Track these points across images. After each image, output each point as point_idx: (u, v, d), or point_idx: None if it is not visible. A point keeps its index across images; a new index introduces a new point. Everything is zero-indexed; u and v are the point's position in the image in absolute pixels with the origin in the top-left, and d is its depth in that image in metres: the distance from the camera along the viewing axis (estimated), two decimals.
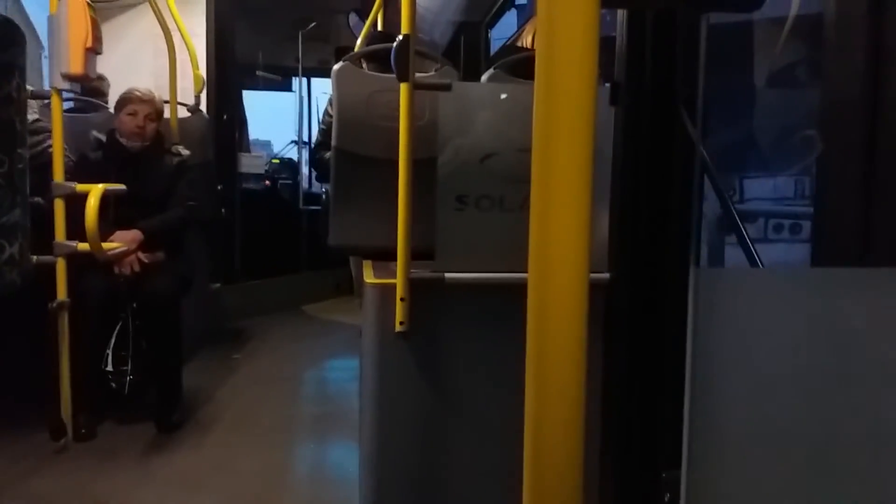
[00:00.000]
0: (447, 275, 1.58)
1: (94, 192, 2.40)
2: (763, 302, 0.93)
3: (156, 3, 3.66)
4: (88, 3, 2.47)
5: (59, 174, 2.51)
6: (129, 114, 2.89)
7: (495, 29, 4.16)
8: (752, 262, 1.10)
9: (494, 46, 4.12)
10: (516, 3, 3.70)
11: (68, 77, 2.50)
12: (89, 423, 2.64)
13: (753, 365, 1.06)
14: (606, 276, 1.53)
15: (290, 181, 6.50)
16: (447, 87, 1.60)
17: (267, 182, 6.21)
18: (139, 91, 2.94)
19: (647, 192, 1.39)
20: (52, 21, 2.44)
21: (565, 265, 0.69)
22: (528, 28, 2.39)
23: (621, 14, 1.44)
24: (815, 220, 1.23)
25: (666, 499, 1.36)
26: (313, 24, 5.79)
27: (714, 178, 1.20)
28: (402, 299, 1.57)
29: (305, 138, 6.51)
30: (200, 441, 2.65)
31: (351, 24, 5.15)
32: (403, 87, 1.56)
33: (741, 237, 1.13)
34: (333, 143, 2.12)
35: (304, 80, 6.68)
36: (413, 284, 1.58)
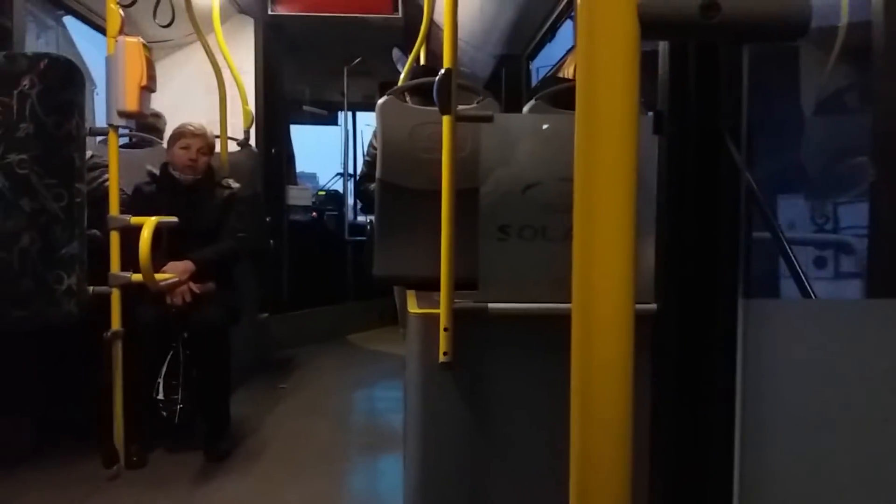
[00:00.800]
0: (490, 305, 1.58)
1: (148, 225, 2.48)
2: (815, 334, 0.91)
3: (207, 42, 3.80)
4: (144, 44, 2.58)
5: (114, 207, 2.60)
6: (183, 147, 2.99)
7: (536, 60, 4.19)
8: (804, 292, 1.07)
9: (536, 78, 4.15)
10: (556, 34, 3.72)
11: (124, 114, 2.61)
12: (140, 451, 2.69)
13: (806, 400, 1.03)
14: (654, 307, 1.50)
15: (335, 213, 6.60)
16: (489, 119, 1.61)
17: (314, 214, 6.31)
18: (192, 126, 3.05)
19: (694, 221, 1.37)
20: (109, 61, 2.56)
21: (609, 295, 0.68)
22: (570, 59, 2.41)
23: (663, 42, 1.44)
24: (871, 249, 1.19)
25: None
26: (358, 60, 5.91)
27: (762, 206, 1.18)
28: (445, 329, 1.57)
29: (350, 171, 6.61)
30: (248, 470, 2.67)
31: (395, 59, 5.25)
32: (446, 119, 1.58)
33: (791, 267, 1.10)
34: (378, 175, 2.15)
35: (350, 114, 6.82)
36: (456, 314, 1.58)
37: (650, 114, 1.51)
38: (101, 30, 3.43)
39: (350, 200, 6.50)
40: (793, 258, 1.10)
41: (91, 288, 2.50)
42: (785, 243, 1.11)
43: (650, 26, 0.61)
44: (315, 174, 8.79)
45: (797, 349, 0.84)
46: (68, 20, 4.56)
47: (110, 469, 2.55)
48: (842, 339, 0.84)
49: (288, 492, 2.47)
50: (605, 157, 0.67)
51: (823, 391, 0.85)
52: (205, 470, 2.67)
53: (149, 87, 2.60)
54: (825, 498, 0.91)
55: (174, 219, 2.65)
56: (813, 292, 1.09)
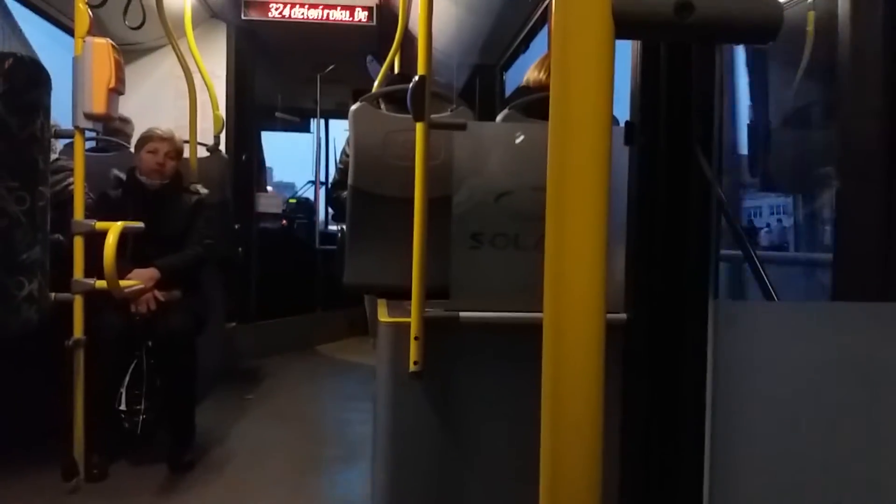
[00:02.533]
0: (462, 314, 1.57)
1: (113, 231, 2.43)
2: (782, 335, 0.91)
3: (178, 46, 3.75)
4: (113, 45, 2.53)
5: (79, 212, 2.54)
6: (150, 151, 2.94)
7: (510, 71, 4.22)
8: (768, 296, 1.09)
9: (510, 89, 4.18)
10: (531, 45, 3.75)
11: (91, 116, 2.55)
12: (101, 463, 2.62)
13: (775, 401, 1.04)
14: (624, 316, 1.50)
15: (306, 221, 6.55)
16: (462, 127, 1.61)
17: (284, 221, 6.26)
18: (160, 130, 3.00)
19: (664, 231, 1.38)
20: (76, 62, 2.50)
21: (580, 304, 0.68)
22: (535, 65, 2.42)
23: (635, 53, 1.45)
24: (836, 254, 1.21)
25: None
26: (331, 67, 5.90)
27: (729, 216, 1.19)
28: (416, 338, 1.56)
29: (322, 178, 6.58)
30: (213, 482, 2.62)
31: (368, 66, 5.24)
32: (419, 126, 1.57)
33: (756, 271, 1.12)
34: (350, 181, 2.14)
35: (322, 121, 6.78)
36: (427, 323, 1.57)
37: (622, 124, 1.52)
38: (69, 30, 3.37)
39: (321, 209, 6.46)
40: (758, 264, 1.11)
41: (53, 294, 2.44)
42: (750, 250, 1.13)
43: (625, 25, 0.62)
44: (293, 183, 8.73)
45: (765, 350, 0.85)
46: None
47: (70, 482, 2.48)
48: (808, 340, 0.85)
49: (256, 503, 2.42)
50: (578, 166, 0.67)
51: (791, 392, 0.86)
52: (168, 482, 2.61)
53: (117, 90, 2.56)
54: (795, 498, 0.92)
55: (140, 224, 2.60)
56: (777, 296, 1.10)
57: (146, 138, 2.97)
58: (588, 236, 0.68)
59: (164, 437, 2.77)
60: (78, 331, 2.52)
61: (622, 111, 1.56)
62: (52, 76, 2.41)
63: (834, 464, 0.87)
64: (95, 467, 2.59)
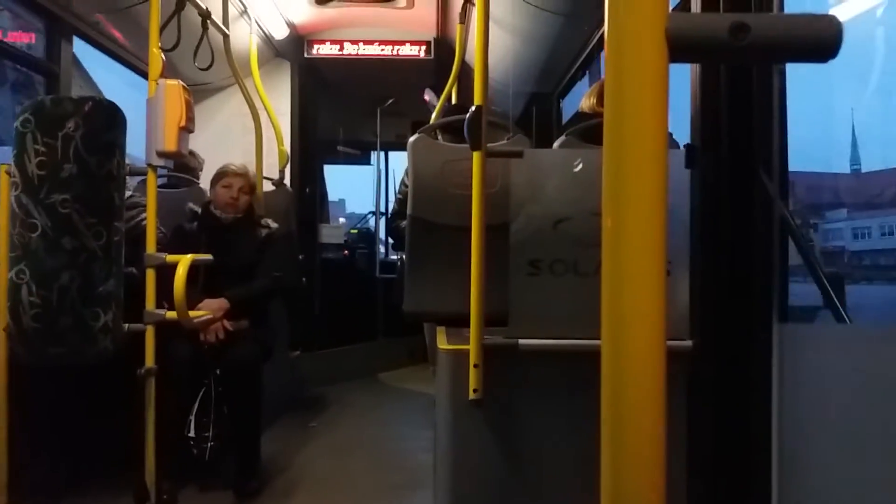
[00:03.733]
0: (521, 341, 1.56)
1: (183, 263, 2.52)
2: (852, 358, 0.87)
3: (244, 85, 3.90)
4: (184, 86, 2.66)
5: (151, 245, 2.65)
6: (224, 186, 3.05)
7: (567, 99, 4.22)
8: (839, 318, 1.04)
9: (566, 116, 4.17)
10: (587, 73, 3.75)
11: (163, 154, 2.67)
12: (172, 489, 2.68)
13: (842, 424, 0.99)
14: (689, 343, 1.47)
15: (366, 250, 6.65)
16: (519, 155, 1.62)
17: (346, 252, 6.37)
18: (234, 166, 3.11)
19: (729, 254, 1.34)
20: (150, 103, 2.63)
21: (640, 331, 0.67)
22: (589, 92, 2.41)
23: (694, 74, 1.43)
24: None
25: None
26: (391, 101, 6.02)
27: (796, 236, 1.15)
28: (475, 366, 1.55)
29: (382, 209, 6.68)
30: None
31: (426, 99, 5.33)
32: (476, 155, 1.59)
33: (825, 292, 1.07)
34: (409, 211, 2.17)
35: (382, 153, 6.91)
36: (487, 350, 1.56)
37: (682, 147, 1.50)
38: (143, 73, 3.55)
39: (381, 238, 6.55)
40: (827, 286, 1.07)
41: (126, 325, 2.54)
42: (819, 271, 1.08)
43: (679, 48, 0.61)
44: (343, 199, 8.86)
45: (833, 372, 0.81)
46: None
47: None
48: (875, 362, 0.80)
49: None
50: (634, 191, 0.66)
51: (859, 415, 0.82)
52: None
53: (187, 128, 2.67)
54: None
55: (209, 257, 2.69)
56: (848, 317, 1.05)
57: (221, 174, 3.08)
58: (646, 261, 0.67)
59: (231, 464, 2.83)
60: (150, 360, 2.61)
61: (683, 134, 1.54)
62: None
63: None
64: (166, 493, 2.65)
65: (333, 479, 3.08)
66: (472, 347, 1.56)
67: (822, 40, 0.61)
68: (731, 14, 0.63)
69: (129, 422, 2.62)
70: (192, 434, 2.72)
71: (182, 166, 3.90)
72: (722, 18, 0.62)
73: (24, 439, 2.70)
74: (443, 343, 1.71)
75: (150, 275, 2.63)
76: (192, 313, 2.60)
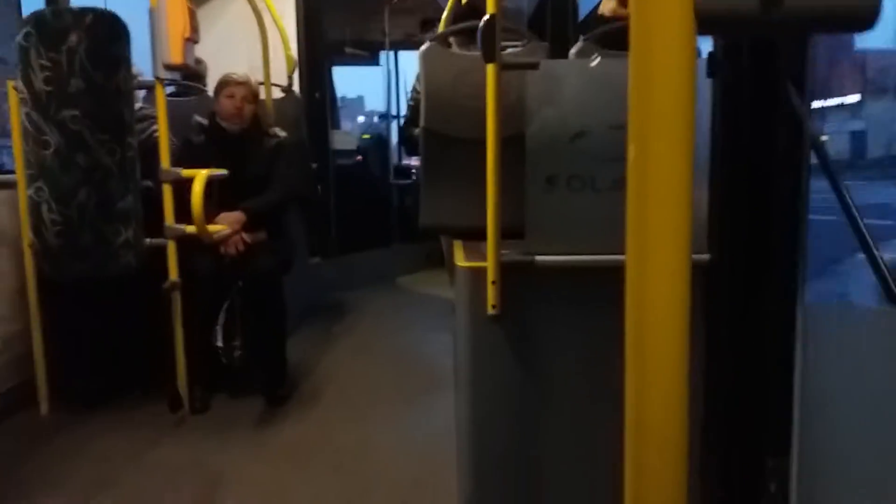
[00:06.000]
0: (538, 258, 1.57)
1: (199, 179, 2.52)
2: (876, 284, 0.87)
3: None
4: None
5: (165, 160, 2.64)
6: (228, 96, 3.00)
7: None
8: (864, 244, 1.02)
9: (583, 11, 3.99)
10: None
11: (169, 67, 2.62)
12: (203, 396, 2.81)
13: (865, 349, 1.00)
14: (706, 257, 1.47)
15: (380, 155, 6.60)
16: (535, 66, 1.57)
17: (359, 157, 6.33)
18: (235, 75, 3.05)
19: (749, 170, 1.32)
20: (152, 14, 2.55)
21: (666, 245, 0.66)
22: None
23: None
24: None
25: (772, 489, 1.32)
26: None
27: (825, 160, 1.12)
28: (493, 283, 1.57)
29: (394, 112, 6.56)
30: (306, 415, 2.78)
31: None
32: (490, 67, 1.54)
33: (851, 217, 1.05)
34: (422, 123, 2.13)
35: (392, 53, 6.71)
36: (503, 267, 1.57)
37: (704, 56, 1.44)
38: None
39: (394, 142, 6.48)
40: (853, 210, 1.05)
41: (148, 240, 2.58)
42: (847, 196, 1.06)
43: (707, 22, 0.58)
44: (362, 97, 8.69)
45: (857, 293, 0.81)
46: None
47: (176, 413, 2.68)
48: None
49: (344, 437, 2.56)
50: (662, 102, 0.64)
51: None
52: (265, 413, 2.78)
53: (192, 39, 2.61)
54: (888, 445, 0.90)
55: (224, 171, 2.69)
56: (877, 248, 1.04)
57: (223, 83, 3.03)
58: (673, 174, 0.65)
59: (259, 371, 2.94)
60: (173, 273, 2.67)
61: (705, 41, 1.48)
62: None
63: None
64: (198, 400, 2.79)
65: (357, 383, 3.20)
66: (489, 265, 1.57)
67: (859, 11, 0.58)
68: None
69: (158, 334, 2.71)
70: (220, 343, 2.81)
71: (189, 75, 3.83)
72: None
73: (60, 354, 2.82)
74: (460, 260, 1.72)
75: (167, 190, 2.64)
76: (210, 227, 2.63)
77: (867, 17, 0.57)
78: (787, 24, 0.58)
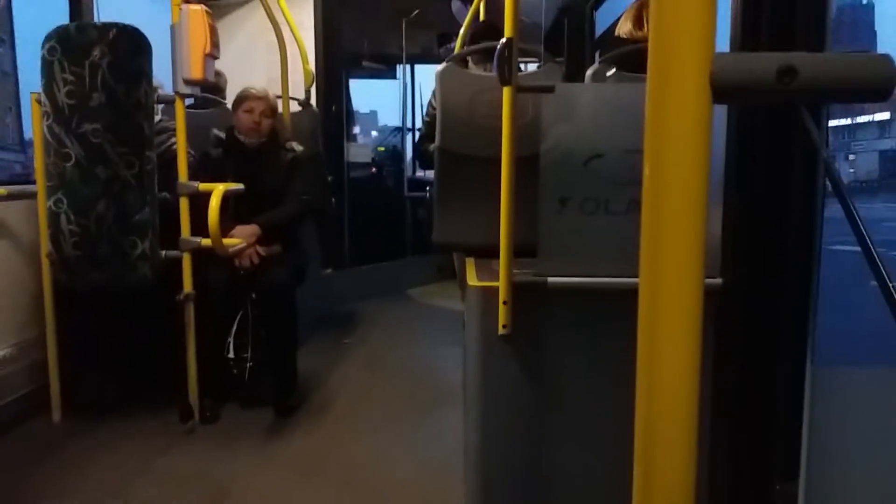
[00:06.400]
0: (550, 279, 1.57)
1: (216, 193, 2.55)
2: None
3: (266, 0, 3.80)
4: (206, 11, 2.61)
5: (183, 174, 2.68)
6: (246, 111, 3.03)
7: (601, 10, 4.04)
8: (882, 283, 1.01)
9: (600, 28, 4.01)
10: None
11: (190, 82, 2.66)
12: (214, 406, 2.83)
13: (878, 372, 1.00)
14: (719, 281, 1.47)
15: (394, 168, 6.64)
16: (550, 90, 1.58)
17: (373, 170, 6.36)
18: (254, 89, 3.09)
19: (763, 194, 1.32)
20: (174, 29, 2.60)
21: (679, 269, 0.67)
22: (625, 15, 2.31)
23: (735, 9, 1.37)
24: None
25: None
26: (417, 12, 5.83)
27: (839, 185, 1.12)
28: (504, 303, 1.58)
29: (409, 125, 6.60)
30: (315, 426, 2.79)
31: (454, 10, 5.15)
32: (506, 90, 1.55)
33: (865, 248, 1.05)
34: (437, 142, 2.15)
35: (408, 66, 6.76)
36: (515, 287, 1.58)
37: None
38: None
39: (409, 155, 6.51)
40: (864, 231, 1.04)
41: (163, 252, 2.61)
42: (858, 218, 1.05)
43: (723, 92, 0.59)
44: (375, 111, 8.77)
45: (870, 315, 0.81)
46: None
47: (186, 423, 2.70)
48: None
49: (353, 449, 2.57)
50: (677, 125, 0.65)
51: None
52: (274, 425, 2.80)
53: (212, 55, 2.64)
54: None
55: (241, 186, 2.72)
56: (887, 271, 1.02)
57: (242, 98, 3.06)
58: (688, 198, 0.66)
59: (269, 382, 2.95)
60: (188, 285, 2.69)
61: (721, 45, 1.48)
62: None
63: None
64: (208, 410, 2.81)
65: (367, 395, 3.20)
66: (501, 285, 1.58)
67: (876, 83, 0.58)
68: (777, 54, 0.60)
69: (171, 345, 2.74)
70: (231, 355, 2.84)
71: (209, 87, 3.88)
72: (768, 60, 0.59)
73: (74, 362, 2.85)
74: (472, 278, 1.73)
75: (184, 203, 2.67)
76: (225, 241, 2.65)
77: (882, 88, 0.58)
78: (802, 94, 0.59)
